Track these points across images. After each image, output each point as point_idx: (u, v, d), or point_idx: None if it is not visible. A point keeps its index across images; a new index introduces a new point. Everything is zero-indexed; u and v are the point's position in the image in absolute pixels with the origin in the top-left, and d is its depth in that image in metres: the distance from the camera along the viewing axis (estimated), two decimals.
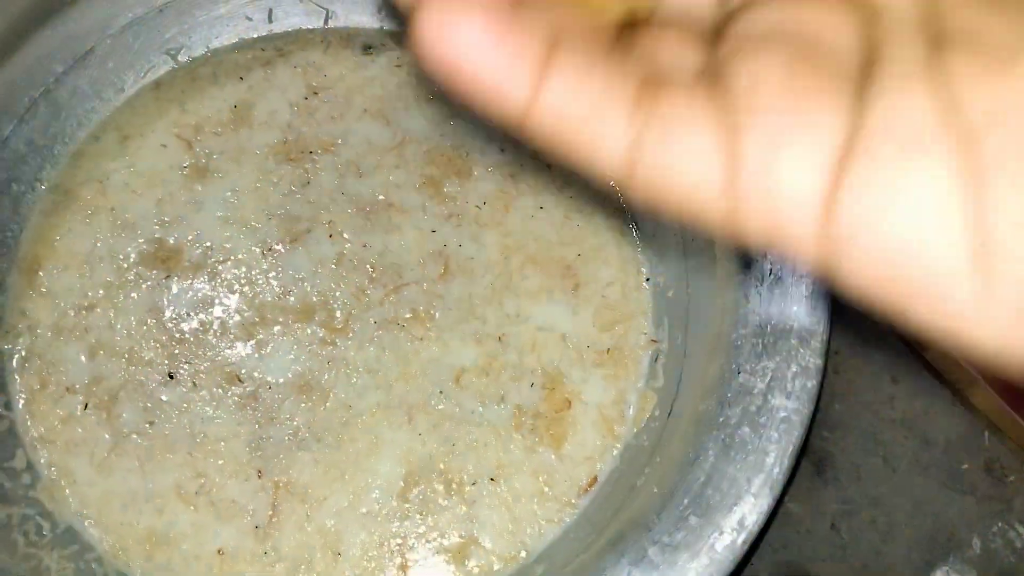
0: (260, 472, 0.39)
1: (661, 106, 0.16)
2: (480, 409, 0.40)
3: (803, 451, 0.32)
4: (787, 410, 0.32)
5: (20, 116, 0.41)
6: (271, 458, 0.39)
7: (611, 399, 0.41)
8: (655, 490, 0.33)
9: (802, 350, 0.33)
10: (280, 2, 0.46)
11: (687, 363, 0.40)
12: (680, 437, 0.37)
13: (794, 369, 0.32)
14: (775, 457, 0.31)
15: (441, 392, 0.41)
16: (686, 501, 0.32)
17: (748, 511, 0.31)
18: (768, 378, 0.33)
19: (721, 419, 0.33)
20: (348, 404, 0.40)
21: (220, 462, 0.39)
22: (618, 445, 0.40)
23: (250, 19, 0.46)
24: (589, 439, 0.40)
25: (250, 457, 0.39)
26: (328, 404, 0.40)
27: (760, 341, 0.33)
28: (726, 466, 0.32)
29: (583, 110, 0.16)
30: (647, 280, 0.43)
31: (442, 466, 0.40)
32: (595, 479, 0.40)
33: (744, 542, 0.31)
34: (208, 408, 0.40)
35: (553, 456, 0.40)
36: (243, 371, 0.40)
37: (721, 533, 0.31)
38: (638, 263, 0.44)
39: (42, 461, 0.38)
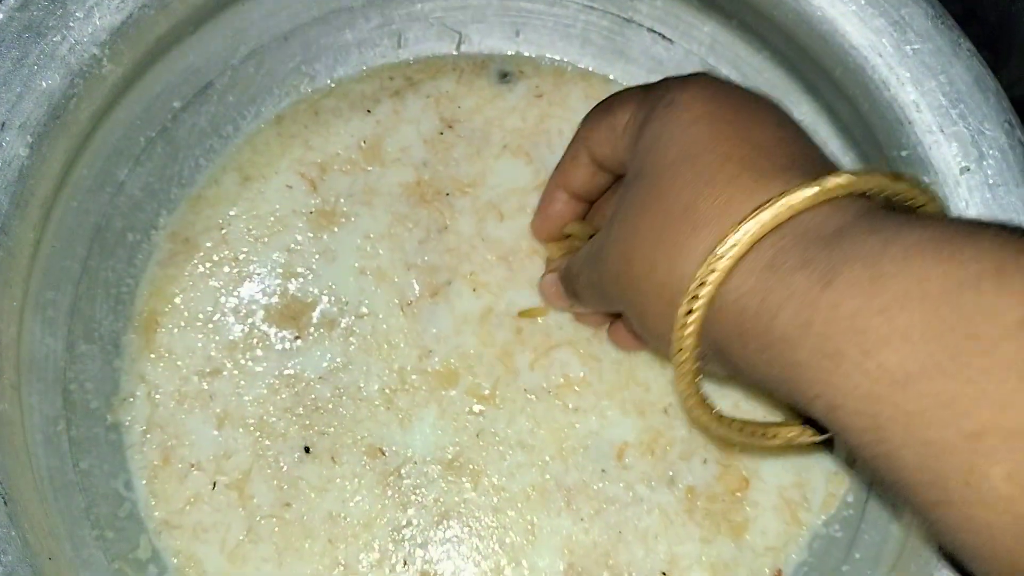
0: (405, 562, 0.35)
1: None
2: (647, 492, 0.36)
3: None
4: None
5: (136, 157, 0.37)
6: (416, 547, 0.35)
7: (793, 479, 0.36)
8: None
9: None
10: (410, 25, 0.41)
11: None
12: (891, 532, 0.33)
13: None
14: None
15: (603, 471, 0.36)
16: None
17: None
18: None
19: None
20: (500, 486, 0.36)
21: (361, 553, 0.35)
22: (804, 533, 0.36)
23: (377, 45, 0.41)
24: (771, 526, 0.36)
25: (395, 545, 0.35)
26: (479, 485, 0.36)
27: None
28: None
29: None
30: None
31: (610, 560, 0.35)
32: (779, 573, 0.36)
33: None
34: (348, 486, 0.35)
35: (731, 546, 0.36)
36: (384, 444, 0.36)
37: None
38: None
39: (168, 549, 0.34)
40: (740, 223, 0.24)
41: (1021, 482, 0.19)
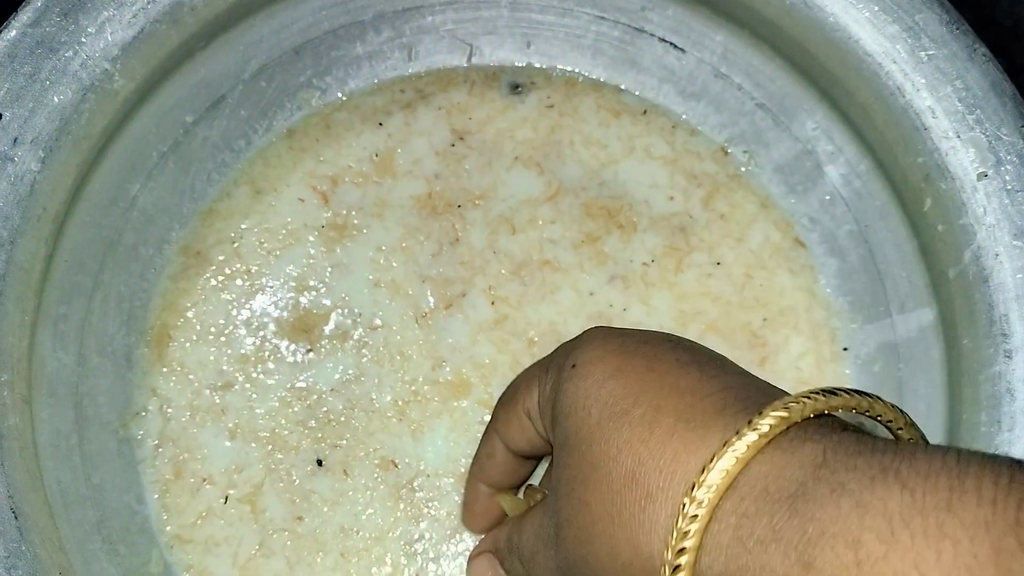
0: None
1: None
2: None
3: None
4: None
5: (148, 172, 0.37)
6: (429, 560, 0.35)
7: None
8: None
9: None
10: (421, 38, 0.41)
11: None
12: None
13: None
14: None
15: None
16: None
17: None
18: None
19: None
20: None
21: (374, 567, 0.34)
22: None
23: (388, 58, 0.41)
24: None
25: (407, 559, 0.35)
26: None
27: None
28: None
29: None
30: (844, 349, 0.38)
31: None
32: None
33: None
34: (360, 499, 0.35)
35: None
36: (397, 456, 0.36)
37: None
38: (832, 330, 0.38)
39: (180, 563, 0.34)
40: (692, 490, 0.22)
41: None
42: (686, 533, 0.22)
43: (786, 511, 0.21)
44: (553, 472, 0.28)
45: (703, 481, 0.22)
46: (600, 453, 0.25)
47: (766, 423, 0.22)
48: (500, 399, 0.32)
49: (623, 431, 0.25)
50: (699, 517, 0.22)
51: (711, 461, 0.22)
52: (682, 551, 0.22)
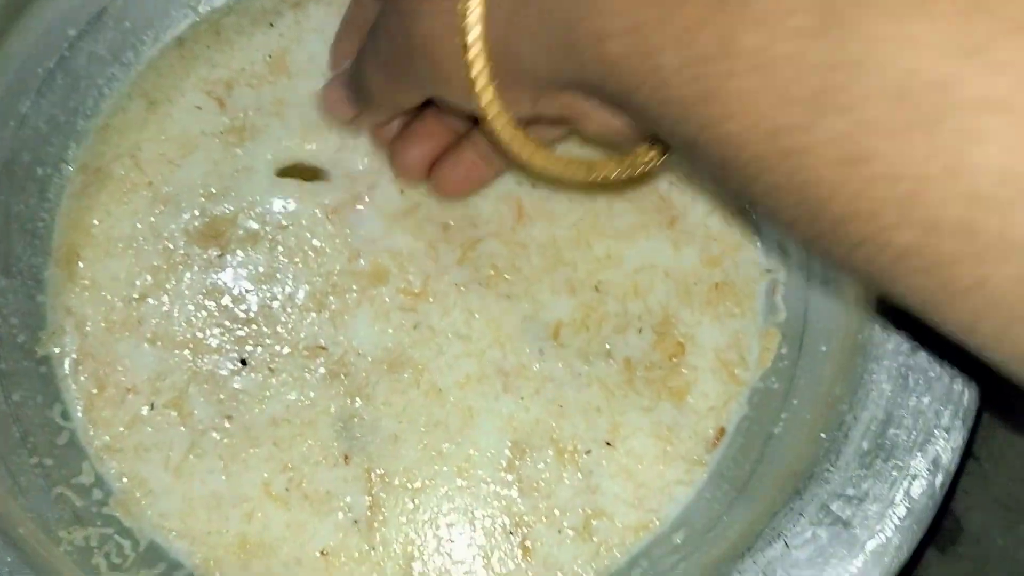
0: (347, 457, 0.35)
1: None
2: (585, 367, 0.36)
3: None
4: None
5: (37, 90, 0.36)
6: (358, 441, 0.35)
7: (728, 340, 0.37)
8: (822, 435, 0.29)
9: None
10: None
11: (813, 291, 0.36)
12: (824, 373, 0.33)
13: None
14: (962, 384, 0.27)
15: (541, 351, 0.36)
16: (865, 445, 0.27)
17: (942, 449, 0.27)
18: None
19: (891, 347, 0.28)
20: (440, 376, 0.36)
21: (307, 451, 0.35)
22: (743, 390, 0.36)
23: None
24: (710, 388, 0.36)
25: (338, 442, 0.35)
26: (418, 378, 0.36)
27: None
28: (906, 399, 0.28)
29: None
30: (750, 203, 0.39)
31: (553, 435, 0.35)
32: (723, 431, 0.36)
33: (942, 485, 0.27)
34: (287, 391, 0.35)
35: (672, 410, 0.36)
36: (321, 342, 0.36)
37: (915, 477, 0.27)
38: None
39: (112, 472, 0.34)
40: None
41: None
42: None
43: None
44: None
45: None
46: None
47: None
48: None
49: None
50: None
51: None
52: None
